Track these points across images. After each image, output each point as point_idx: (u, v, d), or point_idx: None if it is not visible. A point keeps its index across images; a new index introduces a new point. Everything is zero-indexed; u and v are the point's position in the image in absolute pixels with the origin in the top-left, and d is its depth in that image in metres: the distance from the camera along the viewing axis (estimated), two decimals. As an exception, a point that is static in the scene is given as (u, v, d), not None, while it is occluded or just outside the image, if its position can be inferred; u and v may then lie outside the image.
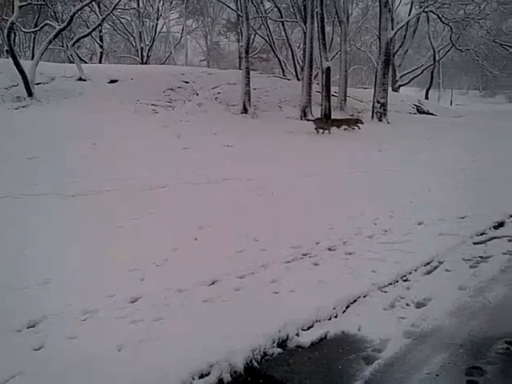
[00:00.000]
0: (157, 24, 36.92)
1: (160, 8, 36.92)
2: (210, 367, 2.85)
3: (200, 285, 3.96)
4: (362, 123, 15.94)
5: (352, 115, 19.11)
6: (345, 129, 15.73)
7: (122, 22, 34.44)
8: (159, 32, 39.35)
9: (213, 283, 4.03)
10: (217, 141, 12.05)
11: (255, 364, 3.01)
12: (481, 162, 11.46)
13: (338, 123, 15.92)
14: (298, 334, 3.33)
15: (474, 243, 5.53)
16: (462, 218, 6.42)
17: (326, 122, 15.76)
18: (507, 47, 31.82)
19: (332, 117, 16.65)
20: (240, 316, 3.43)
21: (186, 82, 18.91)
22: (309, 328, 3.43)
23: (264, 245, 5.03)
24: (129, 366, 2.82)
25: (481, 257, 5.07)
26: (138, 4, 33.62)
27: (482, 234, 5.86)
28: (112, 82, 17.53)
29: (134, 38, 35.04)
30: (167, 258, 4.51)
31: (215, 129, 13.36)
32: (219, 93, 18.63)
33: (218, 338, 3.10)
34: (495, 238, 5.78)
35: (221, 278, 4.12)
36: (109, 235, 5.09)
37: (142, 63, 33.05)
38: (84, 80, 17.13)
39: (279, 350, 3.18)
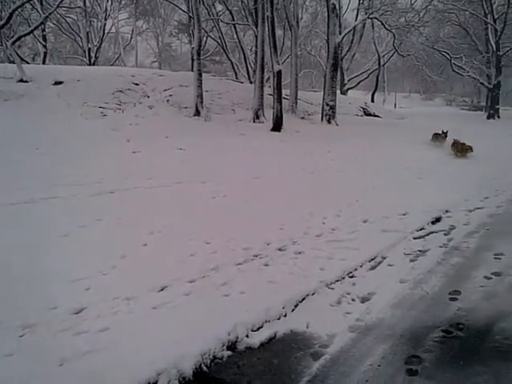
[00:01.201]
0: (105, 24, 35.84)
1: (108, 8, 35.87)
2: (158, 375, 2.84)
3: (149, 291, 3.94)
4: None
5: (303, 117, 19.43)
6: None
7: (67, 22, 33.14)
8: (108, 32, 38.38)
9: (162, 289, 4.02)
10: (169, 144, 11.93)
11: (204, 368, 3.03)
12: (421, 160, 11.99)
13: None
14: (247, 336, 3.39)
15: (414, 238, 5.85)
16: (404, 214, 6.76)
17: None
18: (444, 53, 33.40)
19: (283, 119, 16.84)
20: (190, 321, 3.45)
21: (137, 84, 18.59)
22: (258, 329, 3.49)
23: (215, 248, 5.06)
24: (70, 381, 2.76)
25: (420, 251, 5.37)
26: (85, 3, 32.60)
27: (421, 230, 6.20)
28: (57, 83, 16.89)
29: (80, 38, 33.82)
30: (115, 266, 4.44)
31: (167, 132, 13.21)
32: (171, 95, 18.42)
33: (167, 345, 3.10)
34: (433, 232, 6.14)
35: (171, 283, 4.11)
36: (54, 244, 4.93)
37: (90, 64, 32.12)
38: (26, 81, 16.41)
39: (229, 352, 3.22)
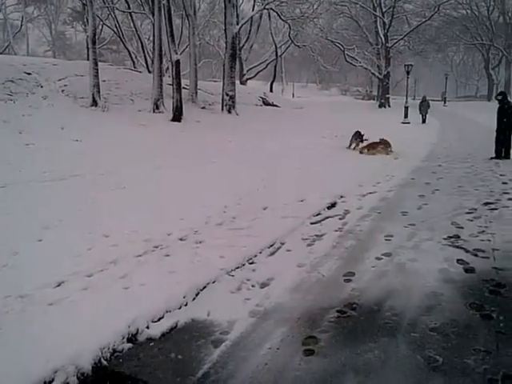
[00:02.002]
0: (-9, 10, 33.22)
1: (-6, -7, 33.32)
2: (55, 373, 2.72)
3: (44, 288, 3.75)
4: None
5: (203, 107, 19.39)
6: None
7: None
8: (-5, 19, 35.60)
9: (59, 285, 3.84)
10: (65, 135, 11.38)
11: (104, 362, 2.95)
12: (317, 149, 12.53)
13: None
14: (148, 327, 3.33)
15: (311, 223, 6.09)
16: (302, 201, 7.02)
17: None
18: (338, 44, 35.09)
19: (184, 110, 16.67)
20: (88, 315, 3.34)
21: (29, 74, 17.39)
22: (159, 319, 3.45)
23: (114, 240, 4.92)
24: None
25: (316, 235, 5.59)
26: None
27: (317, 215, 6.47)
28: None
29: (-36, 25, 31.13)
30: (6, 264, 4.17)
31: (62, 123, 12.53)
32: (66, 85, 17.46)
33: (64, 342, 2.98)
34: (329, 217, 6.43)
35: (67, 278, 3.94)
36: None
37: (-24, 53, 29.63)
38: None
39: (129, 344, 3.15)
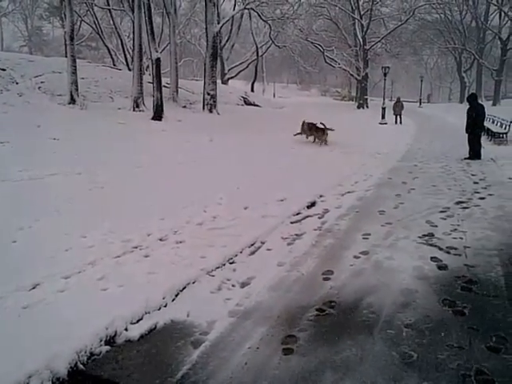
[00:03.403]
0: (-37, 3, 32.51)
1: (-34, -15, 32.60)
2: (29, 378, 2.68)
3: (19, 290, 3.69)
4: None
5: (184, 106, 19.32)
6: None
7: None
8: (-33, 12, 34.85)
9: (34, 287, 3.78)
10: (41, 133, 11.17)
11: (81, 366, 2.92)
12: (297, 148, 12.62)
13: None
14: (126, 329, 3.32)
15: (291, 222, 6.16)
16: (282, 200, 7.06)
17: None
18: (317, 45, 35.34)
19: (164, 108, 16.58)
20: (65, 318, 3.29)
21: (3, 70, 17.08)
22: (138, 321, 3.44)
23: (92, 241, 4.88)
24: None
25: (296, 234, 5.66)
26: None
27: (297, 214, 6.55)
28: None
29: None
30: (-22, 266, 4.08)
31: (39, 121, 12.31)
32: (43, 82, 17.20)
33: (39, 346, 2.94)
34: (308, 216, 6.52)
35: (43, 280, 3.88)
36: None
37: None
38: None
39: (107, 347, 3.13)
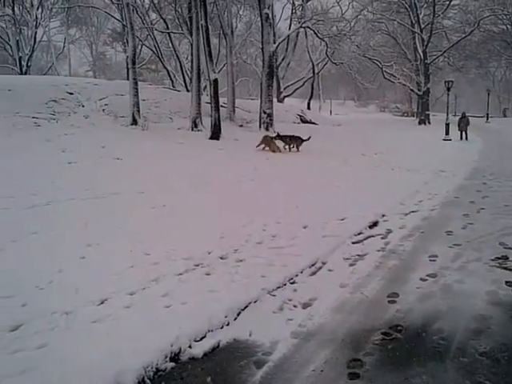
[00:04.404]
0: (36, 32, 34.61)
1: (39, 16, 34.69)
2: (99, 391, 2.74)
3: (88, 305, 3.80)
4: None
5: (241, 125, 19.58)
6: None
7: (-5, 30, 31.93)
8: (39, 41, 37.14)
9: (102, 302, 3.88)
10: (105, 154, 11.63)
11: (148, 381, 2.96)
12: (354, 165, 12.44)
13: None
14: (190, 346, 3.34)
15: (353, 243, 5.99)
16: (342, 219, 6.91)
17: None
18: (375, 61, 34.87)
19: (222, 128, 16.87)
20: (131, 334, 3.36)
21: (71, 94, 18.06)
22: (201, 339, 3.45)
23: (156, 259, 4.96)
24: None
25: (358, 255, 5.50)
26: (14, 11, 31.28)
27: (359, 234, 6.36)
28: (-15, 93, 16.14)
29: (10, 46, 32.48)
30: (51, 280, 4.24)
31: (103, 141, 12.86)
32: (106, 104, 18.03)
33: (108, 360, 3.00)
34: (370, 236, 6.32)
35: (110, 296, 3.98)
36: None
37: (22, 73, 30.90)
38: (-49, 92, 15.58)
39: (172, 364, 3.16)
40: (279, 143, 15.21)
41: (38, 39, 35.75)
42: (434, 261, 5.25)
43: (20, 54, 32.08)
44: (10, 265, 4.58)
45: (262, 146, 14.93)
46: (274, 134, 15.87)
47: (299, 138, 15.43)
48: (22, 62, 32.16)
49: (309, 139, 15.43)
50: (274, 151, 14.56)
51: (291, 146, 15.39)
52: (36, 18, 34.03)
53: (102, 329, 3.46)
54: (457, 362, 3.13)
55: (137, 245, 5.35)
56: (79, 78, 27.11)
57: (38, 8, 34.14)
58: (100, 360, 3.00)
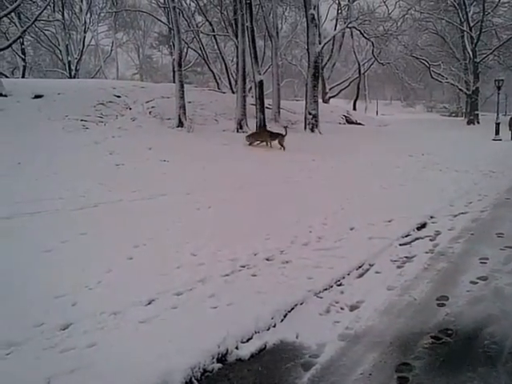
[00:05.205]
0: (84, 37, 35.61)
1: (87, 20, 35.75)
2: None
3: (136, 305, 3.87)
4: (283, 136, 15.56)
5: (286, 126, 19.57)
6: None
7: (46, 35, 32.85)
8: (88, 45, 38.22)
9: (149, 303, 3.95)
10: (152, 156, 11.85)
11: (195, 382, 2.98)
12: (401, 166, 12.19)
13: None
14: (237, 347, 3.34)
15: (400, 244, 5.89)
16: (389, 221, 6.79)
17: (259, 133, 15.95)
18: (423, 61, 33.99)
19: (268, 128, 16.87)
20: (178, 334, 3.40)
21: (118, 97, 18.49)
22: (248, 340, 3.45)
23: (202, 259, 5.01)
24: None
25: (406, 257, 5.40)
26: (63, 16, 32.39)
27: (406, 236, 6.25)
28: (37, 97, 16.64)
29: (60, 51, 33.60)
30: (100, 281, 4.33)
31: (150, 143, 13.12)
32: (153, 107, 18.36)
33: (156, 360, 3.04)
34: (418, 238, 6.19)
35: (158, 296, 4.04)
36: (36, 260, 4.79)
37: (71, 77, 31.93)
38: (4, 95, 16.10)
39: (219, 365, 3.17)
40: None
41: (86, 43, 36.73)
42: (485, 263, 5.10)
43: (69, 58, 33.16)
44: (61, 265, 4.70)
45: (257, 142, 15.17)
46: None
47: (280, 134, 15.33)
48: (71, 66, 33.22)
49: (285, 135, 15.21)
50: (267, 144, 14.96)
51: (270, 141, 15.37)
52: (85, 22, 35.04)
53: (149, 329, 3.51)
54: (510, 367, 3.03)
55: (183, 245, 5.42)
56: (126, 81, 27.76)
57: (86, 13, 35.12)
58: (148, 360, 3.05)
